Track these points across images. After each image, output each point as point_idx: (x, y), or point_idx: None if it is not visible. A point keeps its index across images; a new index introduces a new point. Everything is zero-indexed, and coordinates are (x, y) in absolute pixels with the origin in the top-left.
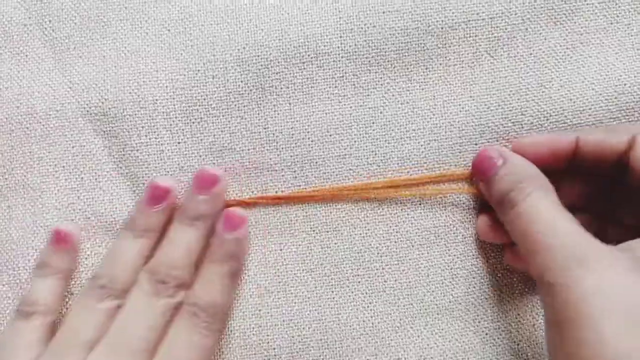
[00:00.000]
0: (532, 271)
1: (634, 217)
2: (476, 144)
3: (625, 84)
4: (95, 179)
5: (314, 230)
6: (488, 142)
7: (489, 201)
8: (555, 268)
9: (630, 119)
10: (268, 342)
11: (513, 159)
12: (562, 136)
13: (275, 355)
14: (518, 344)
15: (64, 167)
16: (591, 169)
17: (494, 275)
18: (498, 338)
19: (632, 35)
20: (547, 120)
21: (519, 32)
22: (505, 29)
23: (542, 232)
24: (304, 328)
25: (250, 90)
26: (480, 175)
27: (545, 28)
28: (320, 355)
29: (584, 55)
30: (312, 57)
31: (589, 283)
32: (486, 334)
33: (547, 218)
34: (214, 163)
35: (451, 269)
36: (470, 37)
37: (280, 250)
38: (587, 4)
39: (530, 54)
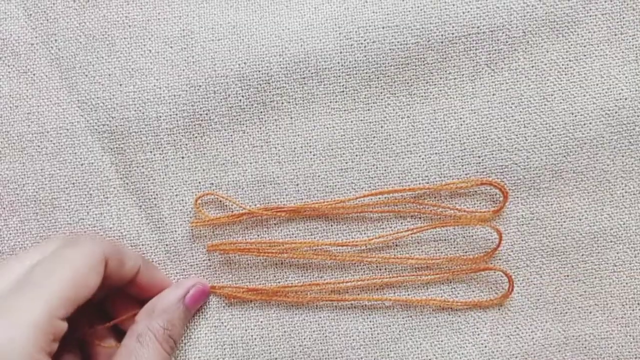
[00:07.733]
0: None
1: None
2: (479, 157)
3: (626, 98)
4: (104, 194)
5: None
6: (491, 154)
7: None
8: None
9: (630, 134)
10: (270, 353)
11: None
12: None
13: None
14: (516, 357)
15: (74, 183)
16: None
17: (492, 289)
18: (496, 351)
19: (636, 47)
20: (550, 133)
21: (520, 45)
22: (506, 41)
23: None
24: (305, 339)
25: (252, 105)
26: None
27: (547, 40)
28: None
29: (586, 67)
30: (312, 73)
31: None
32: (485, 347)
33: None
34: (216, 177)
35: (450, 282)
36: (470, 50)
37: (281, 263)
38: (590, 16)
39: (532, 66)
